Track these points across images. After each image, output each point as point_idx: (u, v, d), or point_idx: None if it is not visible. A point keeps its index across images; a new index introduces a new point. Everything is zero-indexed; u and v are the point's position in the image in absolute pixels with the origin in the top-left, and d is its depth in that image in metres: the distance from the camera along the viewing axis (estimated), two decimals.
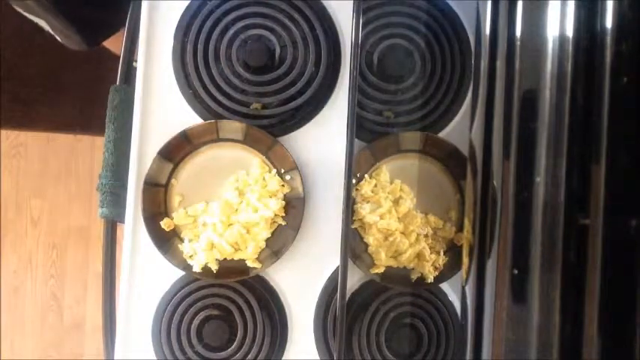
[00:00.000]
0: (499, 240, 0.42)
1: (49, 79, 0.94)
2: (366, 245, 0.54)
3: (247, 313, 0.53)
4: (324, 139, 0.54)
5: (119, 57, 0.57)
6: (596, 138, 0.39)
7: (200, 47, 0.53)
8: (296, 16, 0.53)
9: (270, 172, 0.53)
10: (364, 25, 0.53)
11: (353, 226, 0.54)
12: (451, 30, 0.55)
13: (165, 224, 0.52)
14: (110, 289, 0.56)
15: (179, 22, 0.54)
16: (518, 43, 0.41)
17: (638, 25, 0.38)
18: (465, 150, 0.51)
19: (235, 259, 0.52)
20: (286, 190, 0.53)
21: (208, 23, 0.53)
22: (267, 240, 0.53)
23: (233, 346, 0.53)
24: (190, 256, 0.52)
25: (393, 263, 0.53)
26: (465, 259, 0.47)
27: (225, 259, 0.52)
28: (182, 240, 0.53)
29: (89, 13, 0.71)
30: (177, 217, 0.53)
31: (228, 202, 0.52)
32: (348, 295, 0.53)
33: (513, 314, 0.41)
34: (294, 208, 0.53)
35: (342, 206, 0.49)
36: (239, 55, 0.53)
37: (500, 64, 0.42)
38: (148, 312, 0.53)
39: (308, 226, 0.54)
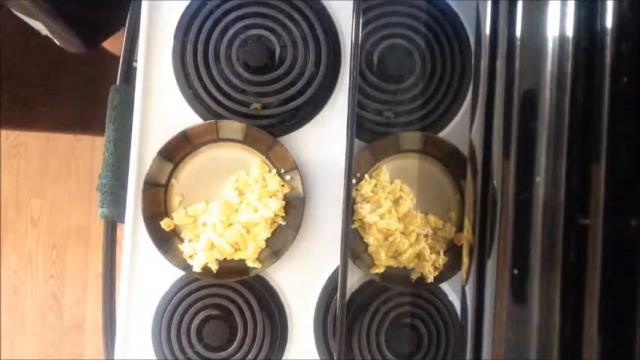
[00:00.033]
0: (499, 240, 0.42)
1: (49, 79, 0.94)
2: (366, 245, 0.54)
3: (247, 313, 0.53)
4: (324, 139, 0.54)
5: (118, 57, 0.57)
6: (596, 138, 0.39)
7: (200, 47, 0.53)
8: (296, 16, 0.53)
9: (270, 172, 0.53)
10: (364, 25, 0.53)
11: (353, 226, 0.54)
12: (451, 30, 0.55)
13: (165, 224, 0.52)
14: (110, 289, 0.56)
15: (179, 22, 0.54)
16: (518, 43, 0.41)
17: (638, 25, 0.38)
18: (465, 150, 0.51)
19: (235, 259, 0.52)
20: (286, 190, 0.53)
21: (208, 23, 0.53)
22: (267, 240, 0.53)
23: (233, 346, 0.53)
24: (190, 256, 0.52)
25: (393, 263, 0.53)
26: (465, 259, 0.47)
27: (225, 259, 0.52)
28: (182, 240, 0.53)
29: (87, 15, 0.71)
30: (177, 217, 0.53)
31: (228, 202, 0.52)
32: (348, 295, 0.53)
33: (513, 314, 0.41)
34: (294, 208, 0.53)
35: (342, 206, 0.49)
36: (239, 55, 0.53)
37: (500, 64, 0.42)
38: (148, 312, 0.53)
39: (308, 226, 0.54)
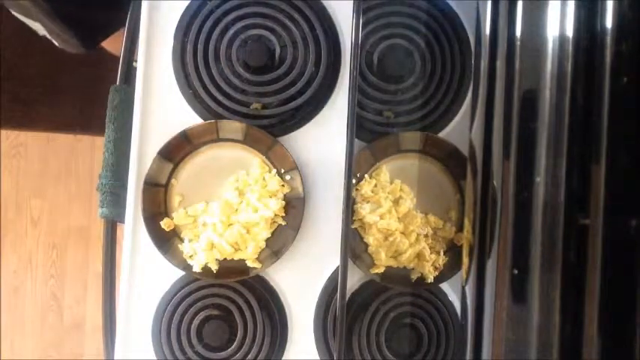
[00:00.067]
0: (499, 240, 0.42)
1: (49, 79, 0.94)
2: (366, 245, 0.54)
3: (247, 313, 0.53)
4: (324, 139, 0.54)
5: (118, 57, 0.57)
6: (596, 138, 0.39)
7: (200, 47, 0.53)
8: (296, 16, 0.53)
9: (270, 172, 0.53)
10: (364, 25, 0.53)
11: (353, 226, 0.54)
12: (451, 30, 0.55)
13: (165, 224, 0.52)
14: (110, 289, 0.56)
15: (179, 22, 0.54)
16: (518, 43, 0.41)
17: (638, 25, 0.38)
18: (465, 150, 0.51)
19: (235, 259, 0.52)
20: (286, 190, 0.53)
21: (208, 23, 0.53)
22: (267, 240, 0.53)
23: (233, 346, 0.53)
24: (190, 256, 0.52)
25: (393, 263, 0.53)
26: (465, 259, 0.47)
27: (225, 259, 0.52)
28: (182, 240, 0.53)
29: (85, 16, 0.71)
30: (177, 217, 0.53)
31: (228, 202, 0.52)
32: (348, 295, 0.53)
33: (513, 314, 0.41)
34: (294, 208, 0.53)
35: (342, 206, 0.49)
36: (239, 55, 0.53)
37: (500, 64, 0.42)
38: (148, 312, 0.53)
39: (308, 226, 0.54)
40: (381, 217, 0.52)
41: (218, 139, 0.53)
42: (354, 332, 0.53)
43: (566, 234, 0.40)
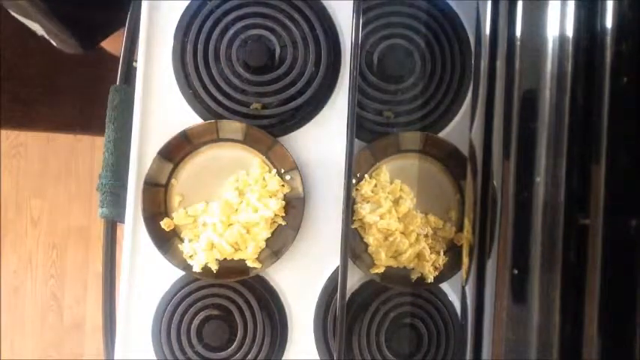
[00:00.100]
0: (499, 240, 0.42)
1: (49, 79, 0.94)
2: (366, 245, 0.54)
3: (247, 313, 0.53)
4: (324, 139, 0.54)
5: (118, 57, 0.57)
6: (596, 138, 0.39)
7: (200, 47, 0.53)
8: (296, 16, 0.53)
9: (270, 172, 0.53)
10: (364, 25, 0.53)
11: (353, 226, 0.54)
12: (451, 30, 0.55)
13: (165, 224, 0.52)
14: (110, 289, 0.56)
15: (179, 22, 0.54)
16: (518, 43, 0.41)
17: (638, 25, 0.38)
18: (465, 150, 0.51)
19: (235, 259, 0.52)
20: (286, 190, 0.53)
21: (208, 23, 0.53)
22: (267, 240, 0.53)
23: (233, 346, 0.53)
24: (190, 256, 0.52)
25: (393, 263, 0.53)
26: (465, 259, 0.47)
27: (225, 259, 0.52)
28: (182, 240, 0.53)
29: (83, 16, 0.71)
30: (177, 217, 0.53)
31: (228, 202, 0.52)
32: (348, 295, 0.53)
33: (513, 314, 0.41)
34: (294, 208, 0.53)
35: (342, 206, 0.49)
36: (239, 55, 0.53)
37: (500, 64, 0.42)
38: (148, 312, 0.53)
39: (308, 226, 0.54)
40: (381, 217, 0.52)
41: (218, 139, 0.53)
42: (354, 332, 0.53)
43: (566, 234, 0.40)
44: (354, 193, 0.53)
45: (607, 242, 0.38)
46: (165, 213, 0.53)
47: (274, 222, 0.53)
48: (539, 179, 0.40)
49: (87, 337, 1.43)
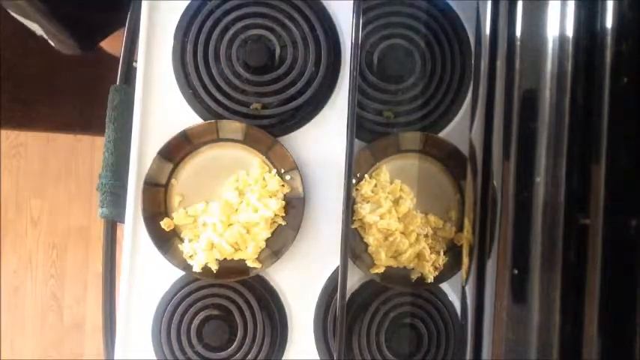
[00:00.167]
0: (499, 240, 0.42)
1: (49, 79, 0.94)
2: (366, 245, 0.54)
3: (247, 313, 0.53)
4: (324, 139, 0.54)
5: (118, 57, 0.57)
6: (596, 138, 0.39)
7: (200, 47, 0.53)
8: (296, 16, 0.53)
9: (270, 172, 0.53)
10: (364, 25, 0.53)
11: (353, 226, 0.54)
12: (451, 30, 0.55)
13: (165, 224, 0.52)
14: (110, 289, 0.56)
15: (179, 22, 0.54)
16: (518, 43, 0.41)
17: (638, 25, 0.38)
18: (465, 150, 0.51)
19: (235, 259, 0.52)
20: (286, 190, 0.53)
21: (208, 23, 0.53)
22: (267, 240, 0.53)
23: (233, 346, 0.53)
24: (190, 256, 0.52)
25: (393, 263, 0.53)
26: (465, 259, 0.47)
27: (225, 259, 0.52)
28: (182, 240, 0.53)
29: (82, 16, 0.71)
30: (177, 217, 0.53)
31: (228, 202, 0.52)
32: (348, 295, 0.53)
33: (513, 314, 0.41)
34: (294, 208, 0.53)
35: (342, 206, 0.49)
36: (239, 55, 0.53)
37: (500, 64, 0.42)
38: (148, 312, 0.53)
39: (308, 226, 0.54)
40: (381, 217, 0.52)
41: (218, 139, 0.53)
42: (354, 332, 0.53)
43: (566, 234, 0.40)
44: (354, 193, 0.53)
45: (607, 242, 0.38)
46: (166, 213, 0.53)
47: (274, 222, 0.53)
48: (539, 179, 0.40)
49: (87, 337, 1.43)
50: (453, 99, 0.55)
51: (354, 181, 0.51)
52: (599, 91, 0.39)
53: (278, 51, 0.53)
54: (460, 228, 0.54)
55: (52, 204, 1.44)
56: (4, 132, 1.42)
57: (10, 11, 0.66)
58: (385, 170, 0.54)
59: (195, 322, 0.53)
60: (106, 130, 0.55)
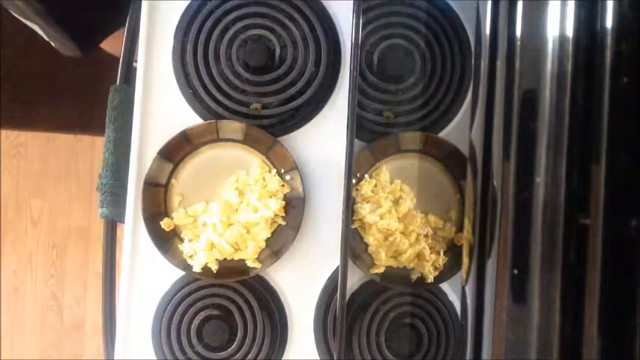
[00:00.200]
0: (499, 240, 0.42)
1: (49, 79, 0.94)
2: (366, 245, 0.54)
3: (247, 313, 0.53)
4: (324, 139, 0.54)
5: (118, 57, 0.57)
6: (596, 138, 0.39)
7: (200, 47, 0.53)
8: (296, 16, 0.53)
9: (270, 172, 0.53)
10: (364, 25, 0.53)
11: (353, 226, 0.54)
12: (451, 30, 0.55)
13: (165, 224, 0.52)
14: (110, 289, 0.56)
15: (179, 22, 0.54)
16: (518, 43, 0.41)
17: (638, 25, 0.38)
18: (465, 150, 0.51)
19: (235, 259, 0.52)
20: (286, 190, 0.53)
21: (208, 23, 0.53)
22: (267, 240, 0.53)
23: (233, 346, 0.53)
24: (190, 256, 0.52)
25: (393, 263, 0.53)
26: (465, 259, 0.47)
27: (225, 259, 0.52)
28: (182, 240, 0.53)
29: (81, 18, 0.70)
30: (177, 217, 0.53)
31: (228, 202, 0.52)
32: (348, 295, 0.53)
33: (513, 314, 0.41)
34: (294, 208, 0.53)
35: (342, 206, 0.49)
36: (239, 55, 0.53)
37: (500, 64, 0.42)
38: (148, 312, 0.53)
39: (308, 226, 0.54)
40: (381, 217, 0.52)
41: (218, 139, 0.53)
42: (354, 332, 0.53)
43: (566, 234, 0.40)
44: (354, 193, 0.53)
45: (607, 242, 0.38)
46: (166, 213, 0.53)
47: (274, 222, 0.53)
48: (539, 179, 0.40)
49: (87, 337, 1.43)
50: (453, 99, 0.55)
51: (354, 181, 0.51)
52: (599, 91, 0.39)
53: (278, 51, 0.53)
54: (460, 228, 0.54)
55: (52, 204, 1.44)
56: (4, 132, 1.42)
57: (11, 11, 0.66)
58: (385, 170, 0.54)
59: (195, 322, 0.53)
60: (106, 130, 0.55)
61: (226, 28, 0.53)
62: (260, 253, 0.52)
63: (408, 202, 0.53)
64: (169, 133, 0.52)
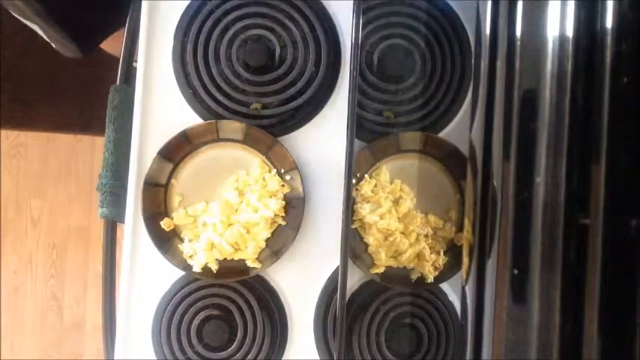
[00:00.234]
0: (499, 240, 0.42)
1: (49, 79, 0.94)
2: (366, 245, 0.54)
3: (247, 313, 0.53)
4: (324, 139, 0.54)
5: (118, 57, 0.57)
6: (596, 138, 0.39)
7: (200, 47, 0.53)
8: (296, 16, 0.53)
9: (270, 172, 0.53)
10: (364, 25, 0.53)
11: (353, 226, 0.54)
12: (451, 30, 0.55)
13: (165, 224, 0.52)
14: (110, 289, 0.56)
15: (179, 22, 0.54)
16: (518, 43, 0.41)
17: (638, 25, 0.38)
18: (465, 150, 0.51)
19: (235, 259, 0.52)
20: (286, 190, 0.53)
21: (208, 23, 0.53)
22: (267, 240, 0.53)
23: (233, 346, 0.53)
24: (190, 256, 0.52)
25: (393, 263, 0.53)
26: (465, 259, 0.47)
27: (225, 259, 0.52)
28: (182, 240, 0.53)
29: (81, 19, 0.70)
30: (177, 217, 0.53)
31: (228, 202, 0.52)
32: (348, 295, 0.53)
33: (513, 314, 0.41)
34: (294, 208, 0.53)
35: (342, 206, 0.49)
36: (239, 55, 0.53)
37: (500, 64, 0.42)
38: (148, 312, 0.53)
39: (308, 226, 0.54)
40: (381, 217, 0.52)
41: (218, 139, 0.53)
42: (354, 332, 0.53)
43: (566, 234, 0.40)
44: (354, 193, 0.53)
45: (607, 242, 0.38)
46: (166, 213, 0.53)
47: (274, 222, 0.53)
48: (539, 179, 0.40)
49: (87, 337, 1.43)
50: (453, 99, 0.55)
51: (354, 181, 0.51)
52: (599, 91, 0.39)
53: (278, 51, 0.53)
54: (460, 228, 0.54)
55: (52, 204, 1.44)
56: (4, 132, 1.42)
57: (12, 12, 0.66)
58: (385, 170, 0.54)
59: (195, 322, 0.53)
60: (106, 130, 0.55)
61: (226, 28, 0.53)
62: (260, 253, 0.52)
63: (408, 202, 0.53)
64: (169, 133, 0.52)
